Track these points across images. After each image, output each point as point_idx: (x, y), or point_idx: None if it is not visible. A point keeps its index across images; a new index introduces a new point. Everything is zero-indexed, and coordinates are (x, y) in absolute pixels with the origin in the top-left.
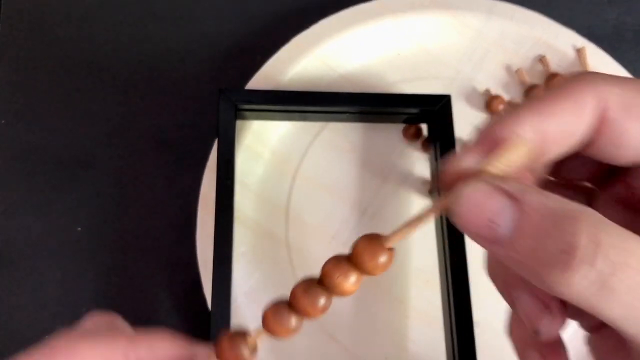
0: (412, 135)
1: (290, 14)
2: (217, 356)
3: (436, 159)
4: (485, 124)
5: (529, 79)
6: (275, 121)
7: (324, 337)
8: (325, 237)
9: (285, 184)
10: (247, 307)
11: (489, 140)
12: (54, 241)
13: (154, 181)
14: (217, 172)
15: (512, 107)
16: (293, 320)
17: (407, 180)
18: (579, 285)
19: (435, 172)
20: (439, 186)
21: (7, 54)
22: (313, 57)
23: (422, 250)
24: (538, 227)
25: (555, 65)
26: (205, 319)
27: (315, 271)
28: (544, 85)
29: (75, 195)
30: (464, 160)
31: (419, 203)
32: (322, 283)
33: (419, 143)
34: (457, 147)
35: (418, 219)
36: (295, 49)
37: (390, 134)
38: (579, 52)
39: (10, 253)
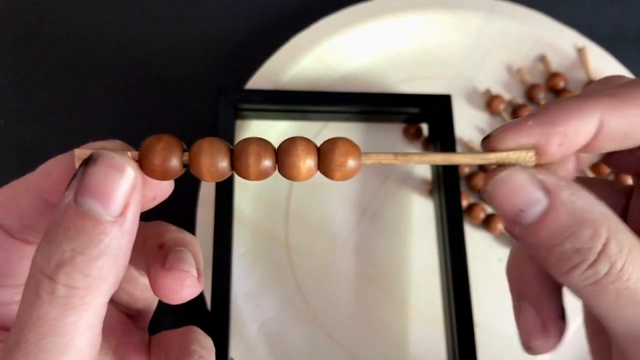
0: (413, 135)
1: (290, 13)
2: (145, 162)
3: None
4: (542, 110)
5: (530, 79)
6: (275, 121)
7: (324, 338)
8: (325, 237)
9: (285, 184)
10: (247, 307)
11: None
12: None
13: None
14: None
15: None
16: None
17: (407, 180)
18: (579, 281)
19: (436, 172)
20: (483, 147)
21: (6, 54)
22: (313, 56)
23: (422, 251)
24: (562, 224)
25: (556, 64)
26: (205, 319)
27: (316, 272)
28: (545, 85)
29: None
30: (514, 138)
31: (419, 203)
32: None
33: (419, 143)
34: (457, 147)
35: (420, 156)
36: (295, 48)
37: (391, 133)
38: (580, 51)
39: None
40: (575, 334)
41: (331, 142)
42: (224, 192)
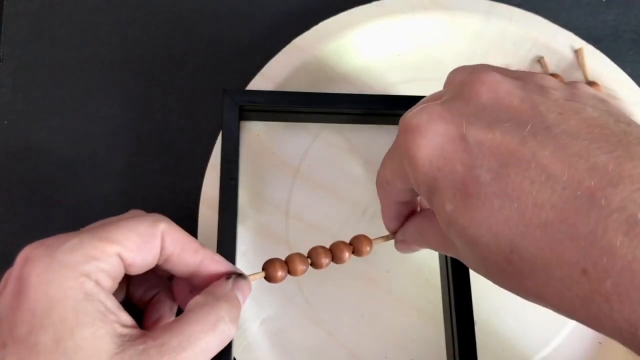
0: None
1: (291, 15)
2: (269, 272)
3: None
4: None
5: None
6: (276, 121)
7: (324, 335)
8: (325, 237)
9: (285, 184)
10: (248, 305)
11: None
12: None
13: (156, 181)
14: (221, 172)
15: None
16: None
17: None
18: None
19: None
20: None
21: (9, 55)
22: (314, 58)
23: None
24: None
25: (553, 66)
26: None
27: (316, 270)
28: None
29: (77, 195)
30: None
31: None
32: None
33: None
34: None
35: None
36: (296, 50)
37: (390, 134)
38: (577, 53)
39: (12, 254)
40: (574, 332)
41: (359, 241)
42: (228, 192)
